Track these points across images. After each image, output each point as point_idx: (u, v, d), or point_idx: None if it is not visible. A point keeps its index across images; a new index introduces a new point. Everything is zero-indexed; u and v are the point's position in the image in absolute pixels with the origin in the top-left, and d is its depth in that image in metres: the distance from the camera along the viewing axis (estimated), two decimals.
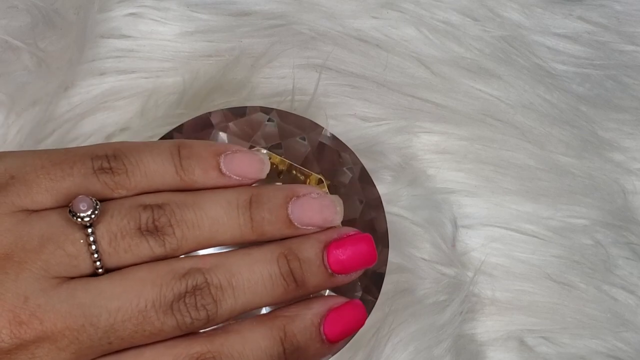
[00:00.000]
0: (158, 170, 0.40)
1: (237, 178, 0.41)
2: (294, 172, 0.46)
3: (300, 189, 0.41)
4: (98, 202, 0.38)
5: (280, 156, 0.46)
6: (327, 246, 0.41)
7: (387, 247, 0.46)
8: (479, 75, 0.58)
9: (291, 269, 0.40)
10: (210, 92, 0.56)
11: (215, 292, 0.39)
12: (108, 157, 0.39)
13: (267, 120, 0.47)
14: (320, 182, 0.46)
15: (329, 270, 0.40)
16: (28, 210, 0.39)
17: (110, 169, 0.39)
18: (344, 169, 0.47)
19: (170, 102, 0.55)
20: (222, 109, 0.48)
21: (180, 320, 0.38)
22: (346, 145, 0.47)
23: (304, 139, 0.47)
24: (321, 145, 0.47)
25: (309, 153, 0.47)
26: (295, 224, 0.40)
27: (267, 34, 0.58)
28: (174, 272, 0.39)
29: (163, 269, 0.39)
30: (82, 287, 0.38)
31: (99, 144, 0.41)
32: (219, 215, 0.40)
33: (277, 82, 0.57)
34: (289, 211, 0.40)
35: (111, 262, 0.39)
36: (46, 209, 0.39)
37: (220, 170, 0.40)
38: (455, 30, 0.59)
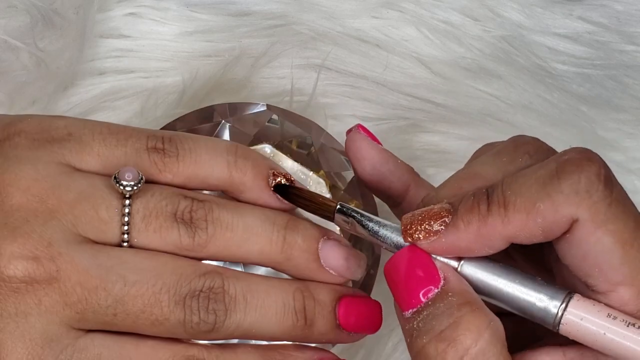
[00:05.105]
0: (209, 161, 0.40)
1: (279, 197, 0.41)
2: (297, 169, 0.46)
3: (332, 233, 0.42)
4: (144, 177, 0.39)
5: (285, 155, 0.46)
6: (341, 298, 0.41)
7: None
8: (479, 75, 0.58)
9: (305, 306, 0.40)
10: (210, 92, 0.56)
11: (228, 301, 0.39)
12: (164, 138, 0.40)
13: (271, 118, 0.47)
14: (321, 182, 0.47)
15: (337, 321, 0.41)
16: (75, 168, 0.39)
17: (163, 149, 0.40)
18: (343, 173, 0.47)
19: (169, 102, 0.55)
20: (228, 103, 0.48)
21: (188, 317, 0.38)
22: None
23: (306, 139, 0.47)
24: (323, 146, 0.48)
25: (311, 153, 0.47)
26: (321, 260, 0.41)
27: (267, 34, 0.58)
28: (195, 268, 0.39)
29: (186, 262, 0.39)
30: (106, 252, 0.38)
31: (159, 130, 0.42)
32: (254, 225, 0.40)
33: (277, 82, 0.57)
34: (319, 246, 0.41)
35: (139, 238, 0.39)
36: (92, 172, 0.40)
37: (267, 182, 0.41)
38: (455, 30, 0.59)
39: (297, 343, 0.42)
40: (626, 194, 0.37)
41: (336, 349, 0.45)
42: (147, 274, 0.38)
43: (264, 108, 0.48)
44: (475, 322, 0.35)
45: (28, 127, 0.40)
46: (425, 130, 0.57)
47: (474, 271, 0.38)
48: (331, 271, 0.41)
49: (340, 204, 0.40)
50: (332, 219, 0.40)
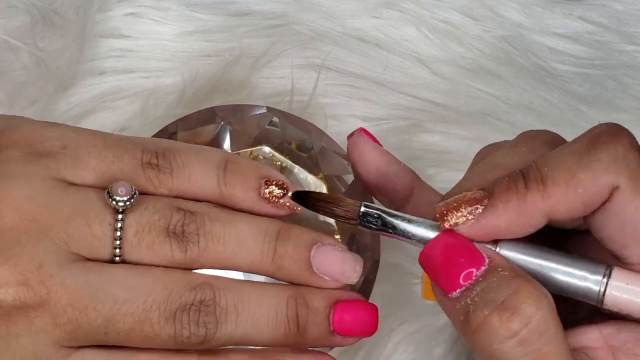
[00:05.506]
0: (201, 177, 0.40)
1: (273, 206, 0.41)
2: (296, 171, 0.46)
3: (327, 238, 0.42)
4: (137, 191, 0.39)
5: (284, 157, 0.46)
6: (336, 304, 0.41)
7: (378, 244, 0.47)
8: (479, 75, 0.58)
9: (297, 313, 0.40)
10: (210, 92, 0.56)
11: (219, 313, 0.39)
12: (158, 153, 0.40)
13: (272, 120, 0.47)
14: (320, 184, 0.46)
15: (331, 327, 0.41)
16: (70, 182, 0.39)
17: (157, 165, 0.40)
18: (343, 176, 0.47)
19: (169, 102, 0.55)
20: (229, 104, 0.48)
21: (178, 331, 0.38)
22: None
23: (306, 142, 0.47)
24: (323, 149, 0.48)
25: (311, 156, 0.47)
26: (314, 268, 0.41)
27: (267, 34, 0.58)
28: (187, 281, 0.39)
29: (178, 276, 0.39)
30: (97, 270, 0.38)
31: (152, 139, 0.42)
32: (246, 238, 0.40)
33: (277, 82, 0.57)
34: (312, 254, 0.41)
35: (131, 254, 0.39)
36: (86, 186, 0.39)
37: (258, 193, 0.41)
38: (455, 30, 0.59)
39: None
40: None
41: (335, 350, 0.45)
42: (138, 291, 0.38)
43: (265, 110, 0.48)
44: (534, 291, 0.36)
45: (21, 139, 0.40)
46: (425, 130, 0.57)
47: (511, 254, 0.38)
48: (325, 277, 0.41)
49: (364, 204, 0.40)
50: (356, 220, 0.40)
